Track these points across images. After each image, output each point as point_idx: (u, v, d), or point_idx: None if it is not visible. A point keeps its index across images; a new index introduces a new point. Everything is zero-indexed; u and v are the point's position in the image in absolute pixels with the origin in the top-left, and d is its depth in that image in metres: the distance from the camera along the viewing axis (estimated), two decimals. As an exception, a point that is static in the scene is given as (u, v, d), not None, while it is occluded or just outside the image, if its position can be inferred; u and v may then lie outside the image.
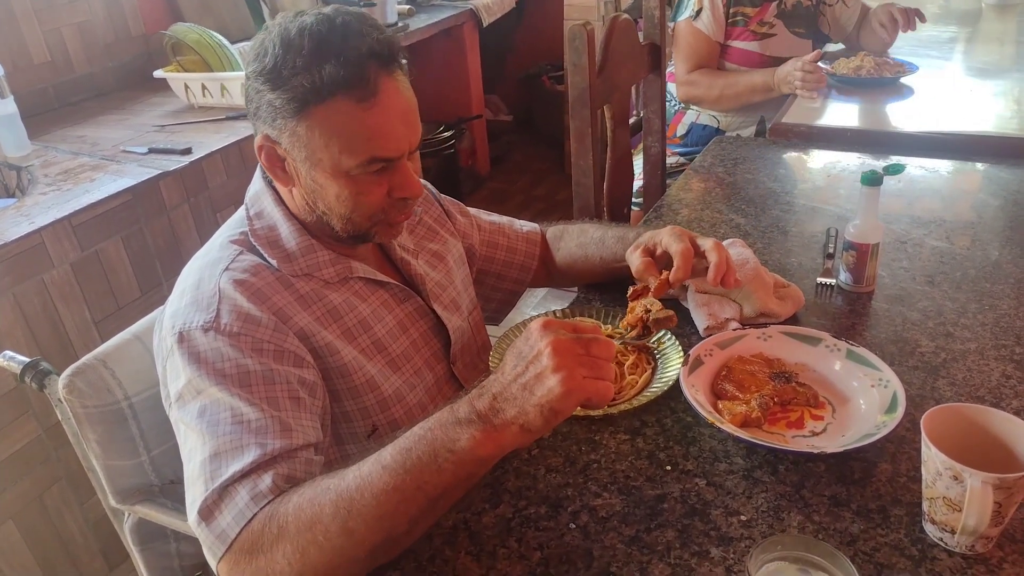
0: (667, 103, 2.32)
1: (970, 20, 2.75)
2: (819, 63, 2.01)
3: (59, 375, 1.02)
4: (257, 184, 1.00)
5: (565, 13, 3.62)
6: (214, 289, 0.89)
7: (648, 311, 0.99)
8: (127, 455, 1.07)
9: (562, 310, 1.20)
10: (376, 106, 0.86)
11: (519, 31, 4.18)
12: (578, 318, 1.17)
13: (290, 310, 0.91)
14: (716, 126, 2.31)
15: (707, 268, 1.03)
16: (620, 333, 1.09)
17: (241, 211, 1.00)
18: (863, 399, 0.96)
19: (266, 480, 0.76)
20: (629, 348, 1.06)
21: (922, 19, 2.23)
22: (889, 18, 2.19)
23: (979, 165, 1.66)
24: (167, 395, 0.90)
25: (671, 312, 0.98)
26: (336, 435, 0.96)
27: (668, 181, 2.19)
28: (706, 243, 1.04)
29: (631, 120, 2.04)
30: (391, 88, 0.87)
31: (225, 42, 2.22)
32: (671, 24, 2.25)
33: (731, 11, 2.18)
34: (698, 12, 2.16)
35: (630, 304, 1.03)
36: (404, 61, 0.92)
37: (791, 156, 1.78)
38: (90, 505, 1.69)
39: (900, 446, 0.90)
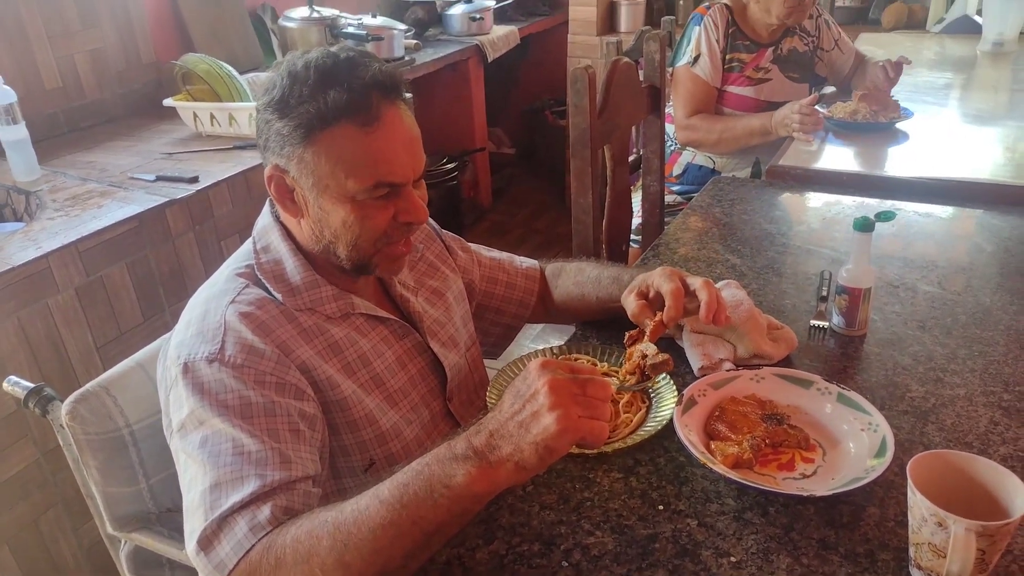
0: (665, 143, 2.37)
1: (965, 67, 2.80)
2: (815, 106, 2.06)
3: (62, 401, 1.04)
4: (265, 218, 1.03)
5: (568, 51, 3.69)
6: (220, 321, 0.91)
7: (645, 356, 1.01)
8: (126, 482, 1.08)
9: (559, 346, 1.22)
10: (379, 131, 0.90)
11: (523, 66, 4.25)
12: (575, 355, 1.19)
13: (293, 343, 0.93)
14: (712, 167, 2.36)
15: (698, 307, 1.05)
16: (616, 374, 1.10)
17: (248, 244, 1.02)
18: (853, 443, 0.98)
19: (265, 511, 0.78)
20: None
21: (907, 63, 2.28)
22: (884, 76, 2.23)
23: (973, 211, 1.69)
24: (169, 424, 0.91)
25: (667, 356, 1.00)
26: (333, 469, 0.98)
27: (666, 219, 2.23)
28: (695, 282, 1.06)
29: (630, 158, 2.08)
30: (394, 116, 0.91)
31: (234, 72, 2.27)
32: (670, 69, 2.31)
33: (727, 57, 2.23)
34: (696, 58, 2.22)
35: (628, 351, 1.05)
36: (408, 94, 0.95)
37: (787, 198, 1.81)
38: (85, 531, 1.69)
39: (888, 490, 0.91)
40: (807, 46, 2.33)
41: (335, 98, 0.87)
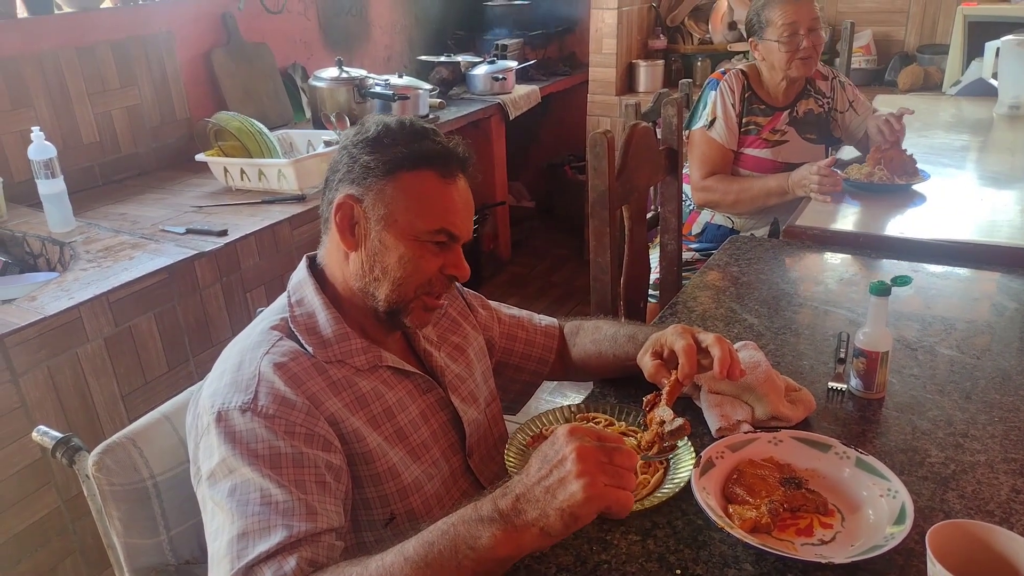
0: (683, 203, 2.40)
1: (982, 129, 2.83)
2: (833, 167, 2.08)
3: (89, 452, 1.06)
4: (301, 273, 1.07)
5: (588, 109, 3.77)
6: (254, 372, 0.93)
7: (663, 423, 1.01)
8: (147, 534, 1.09)
9: (576, 405, 1.23)
10: (453, 186, 1.02)
11: (544, 123, 4.34)
12: (592, 413, 1.20)
13: (323, 395, 0.95)
14: (731, 226, 2.38)
15: (712, 363, 1.06)
16: (634, 434, 1.11)
17: (283, 298, 1.06)
18: (872, 509, 0.97)
19: (291, 563, 0.79)
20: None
21: (909, 112, 2.27)
22: (888, 132, 2.22)
23: (991, 274, 1.69)
24: (197, 472, 0.93)
25: (683, 421, 1.00)
26: (354, 522, 0.99)
27: (684, 274, 2.24)
28: (707, 338, 1.08)
29: (648, 215, 2.11)
30: (464, 184, 1.04)
31: (265, 130, 2.34)
32: (686, 132, 2.35)
33: (744, 120, 2.27)
34: (712, 122, 2.26)
35: (647, 416, 1.06)
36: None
37: (804, 258, 1.83)
38: (101, 579, 1.69)
39: (909, 559, 0.90)
40: (822, 107, 2.37)
41: (428, 147, 1.00)
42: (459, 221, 1.02)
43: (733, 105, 2.26)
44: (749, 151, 2.31)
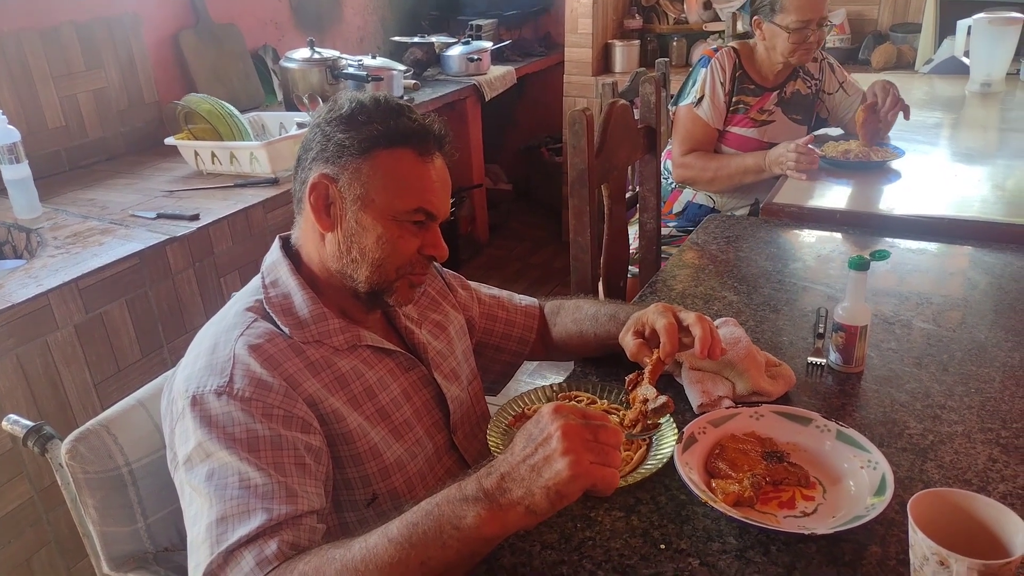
0: (665, 180, 2.39)
1: (954, 107, 2.86)
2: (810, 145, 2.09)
3: (62, 440, 1.04)
4: (274, 254, 1.05)
5: (564, 90, 3.76)
6: (229, 354, 0.92)
7: (646, 401, 1.01)
8: (124, 521, 1.07)
9: (559, 384, 1.22)
10: (431, 165, 1.00)
11: (520, 105, 4.31)
12: (574, 392, 1.20)
13: (300, 376, 0.94)
14: (712, 206, 2.38)
15: (694, 341, 1.06)
16: (616, 411, 1.11)
17: (256, 280, 1.04)
18: (853, 480, 0.98)
19: (272, 546, 0.78)
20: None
21: (906, 115, 2.25)
22: (883, 92, 2.21)
23: (964, 248, 1.71)
24: (174, 457, 0.91)
25: (666, 399, 1.00)
26: (336, 503, 0.98)
27: (663, 246, 2.25)
28: (688, 317, 1.07)
29: (627, 195, 2.10)
30: (441, 160, 1.02)
31: (236, 112, 2.30)
32: (672, 108, 2.34)
33: (733, 99, 2.27)
34: (699, 100, 2.25)
35: (630, 395, 1.05)
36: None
37: (782, 235, 1.83)
38: (78, 570, 1.67)
39: (889, 528, 0.91)
40: (810, 89, 2.36)
41: (404, 124, 0.97)
42: (437, 200, 1.00)
43: (723, 84, 2.25)
44: (735, 129, 2.31)
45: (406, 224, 0.99)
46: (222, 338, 0.95)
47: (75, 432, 1.03)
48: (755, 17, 2.24)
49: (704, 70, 2.27)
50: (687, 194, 2.41)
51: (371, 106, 0.98)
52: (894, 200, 1.96)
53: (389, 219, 0.98)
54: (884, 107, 2.18)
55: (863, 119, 2.17)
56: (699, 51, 3.77)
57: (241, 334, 0.94)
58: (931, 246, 1.71)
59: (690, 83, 2.31)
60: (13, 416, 1.09)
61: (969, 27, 2.94)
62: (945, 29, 3.29)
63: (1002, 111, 2.78)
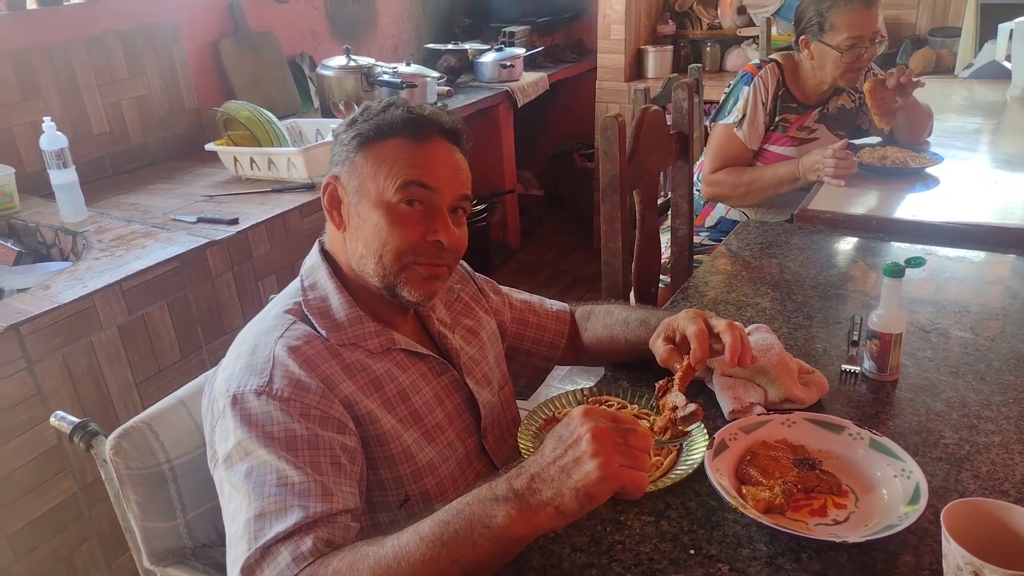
0: (697, 192, 2.36)
1: (995, 112, 2.80)
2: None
3: (107, 436, 1.07)
4: (313, 257, 1.07)
5: (596, 96, 3.76)
6: (269, 355, 0.94)
7: (675, 409, 1.01)
8: (164, 517, 1.10)
9: (589, 388, 1.23)
10: (426, 147, 1.00)
11: (552, 111, 4.32)
12: (604, 396, 1.20)
13: (337, 378, 0.96)
14: (746, 221, 2.35)
15: (724, 348, 1.06)
16: (647, 416, 1.11)
17: (296, 283, 1.07)
18: (886, 489, 0.97)
19: (307, 542, 0.80)
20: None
21: (920, 83, 2.18)
22: (899, 71, 2.14)
23: (1005, 256, 1.68)
24: (213, 455, 0.94)
25: (696, 406, 1.00)
26: (369, 503, 0.99)
27: (695, 256, 2.23)
28: (719, 324, 1.07)
29: (659, 201, 2.10)
30: (445, 147, 1.03)
31: (274, 118, 2.34)
32: (711, 124, 2.29)
33: (775, 119, 2.21)
34: (740, 120, 2.18)
35: (660, 402, 1.05)
36: (468, 144, 1.06)
37: (817, 242, 1.82)
38: (118, 566, 1.71)
39: (923, 538, 0.90)
40: (854, 102, 2.30)
41: (392, 115, 1.00)
42: (430, 173, 0.99)
43: (764, 104, 2.17)
44: (774, 148, 2.24)
45: (401, 207, 0.98)
46: (262, 339, 0.97)
47: (119, 429, 1.07)
48: (802, 36, 2.14)
49: (747, 88, 2.18)
50: (720, 208, 2.37)
51: (372, 107, 1.03)
52: (932, 207, 1.93)
53: (383, 205, 0.98)
54: (891, 81, 2.11)
55: (871, 87, 2.12)
56: (733, 56, 3.76)
57: (280, 336, 0.97)
58: (970, 254, 1.68)
59: (731, 101, 2.22)
60: (60, 413, 1.13)
61: (1011, 31, 2.89)
62: (986, 33, 3.23)
63: (1045, 117, 2.72)
